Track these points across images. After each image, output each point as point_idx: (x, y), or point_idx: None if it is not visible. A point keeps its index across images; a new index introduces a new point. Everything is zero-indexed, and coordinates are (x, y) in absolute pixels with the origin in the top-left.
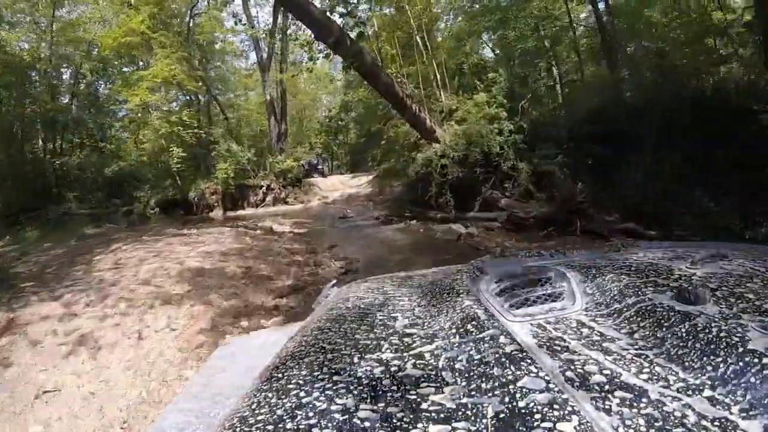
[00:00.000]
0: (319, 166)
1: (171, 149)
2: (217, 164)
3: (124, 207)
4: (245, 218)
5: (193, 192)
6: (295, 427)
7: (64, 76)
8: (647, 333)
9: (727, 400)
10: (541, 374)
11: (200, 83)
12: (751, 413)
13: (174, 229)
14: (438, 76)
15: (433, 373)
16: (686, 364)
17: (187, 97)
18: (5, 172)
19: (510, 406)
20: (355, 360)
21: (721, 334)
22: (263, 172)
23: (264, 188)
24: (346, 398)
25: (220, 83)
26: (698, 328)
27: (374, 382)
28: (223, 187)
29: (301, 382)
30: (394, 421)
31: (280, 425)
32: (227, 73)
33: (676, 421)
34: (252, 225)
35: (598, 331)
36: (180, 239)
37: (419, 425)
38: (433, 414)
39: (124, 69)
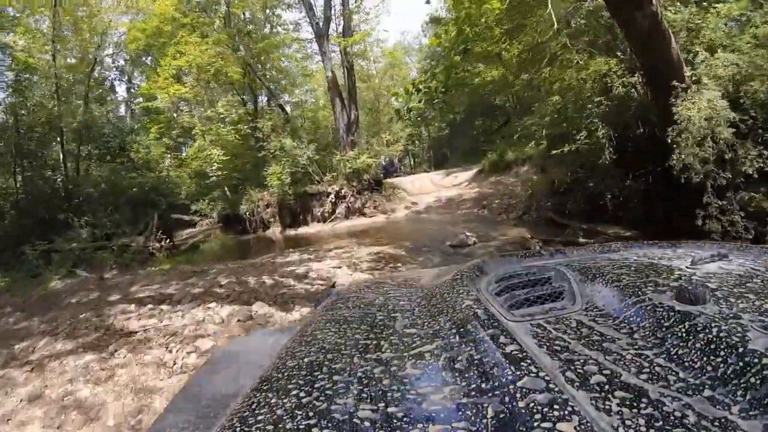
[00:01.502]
0: (393, 166)
1: (210, 153)
2: (268, 169)
3: (126, 238)
4: (308, 240)
5: (245, 205)
6: (295, 427)
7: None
8: (647, 333)
9: (727, 400)
10: (541, 374)
11: (248, 74)
12: (751, 413)
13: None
14: None
15: (433, 373)
16: (686, 364)
17: (239, 97)
18: (17, 194)
19: (510, 406)
20: (355, 360)
21: (721, 334)
22: (330, 176)
23: (332, 196)
24: (346, 398)
25: (278, 74)
26: (698, 328)
27: (374, 382)
28: (279, 196)
29: (301, 382)
30: (394, 421)
31: (280, 425)
32: (287, 66)
33: (676, 421)
34: (301, 261)
35: (598, 331)
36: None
37: (419, 425)
38: (433, 414)
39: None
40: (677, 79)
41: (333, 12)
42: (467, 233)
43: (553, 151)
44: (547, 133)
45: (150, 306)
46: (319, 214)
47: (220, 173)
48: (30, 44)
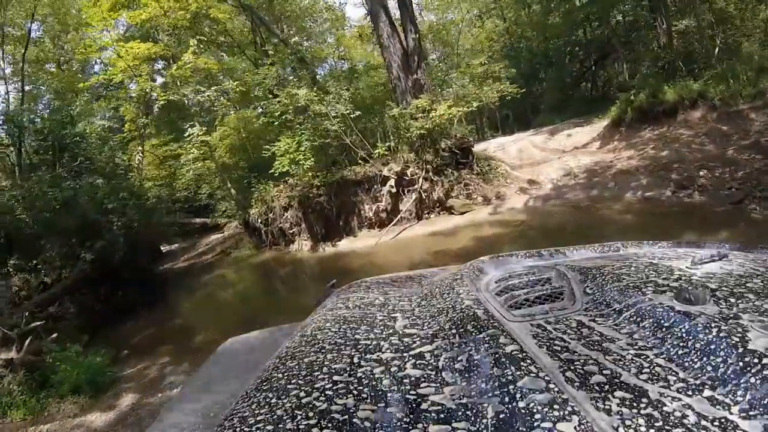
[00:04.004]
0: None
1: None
2: (278, 144)
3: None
4: (352, 267)
5: (256, 208)
6: (295, 427)
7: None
8: (647, 333)
9: (727, 400)
10: (541, 374)
11: (258, 31)
12: (751, 413)
13: None
14: None
15: (433, 373)
16: (686, 364)
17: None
18: None
19: (510, 406)
20: (355, 360)
21: (721, 334)
22: (383, 148)
23: (391, 182)
24: (346, 398)
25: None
26: (698, 328)
27: (374, 382)
28: (303, 190)
29: (301, 382)
30: (394, 421)
31: (280, 425)
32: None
33: (676, 421)
34: None
35: (598, 331)
36: None
37: (419, 425)
38: (433, 414)
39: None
40: None
41: None
42: None
43: None
44: None
45: None
46: (371, 214)
47: (200, 164)
48: None
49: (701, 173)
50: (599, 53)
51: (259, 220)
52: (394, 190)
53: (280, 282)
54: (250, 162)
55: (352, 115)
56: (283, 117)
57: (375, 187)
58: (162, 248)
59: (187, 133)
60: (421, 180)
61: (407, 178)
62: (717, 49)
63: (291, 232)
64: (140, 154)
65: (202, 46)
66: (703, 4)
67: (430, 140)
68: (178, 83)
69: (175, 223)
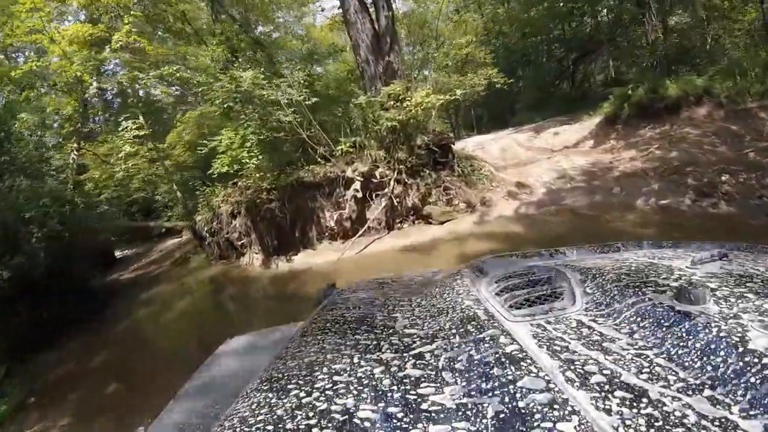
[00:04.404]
0: None
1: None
2: (218, 138)
3: None
4: (308, 297)
5: (202, 214)
6: (295, 427)
7: None
8: (647, 333)
9: (727, 400)
10: (541, 374)
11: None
12: (751, 413)
13: None
14: None
15: (433, 373)
16: (686, 364)
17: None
18: None
19: (510, 406)
20: (355, 360)
21: (721, 334)
22: (347, 144)
23: (356, 186)
24: (346, 398)
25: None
26: (698, 328)
27: (374, 383)
28: (251, 195)
29: (301, 382)
30: (394, 421)
31: (280, 425)
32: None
33: (676, 421)
34: None
35: (598, 331)
36: None
37: (419, 425)
38: (433, 414)
39: None
40: None
41: None
42: None
43: None
44: None
45: None
46: (332, 223)
47: (141, 162)
48: None
49: (723, 178)
50: (580, 50)
51: (205, 229)
52: (359, 194)
53: (221, 308)
54: (202, 161)
55: (307, 102)
56: (226, 106)
57: (337, 191)
58: (118, 254)
59: (120, 127)
60: (392, 183)
61: (376, 180)
62: (708, 46)
63: (240, 243)
64: (75, 153)
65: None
66: None
67: (404, 135)
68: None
69: (126, 227)
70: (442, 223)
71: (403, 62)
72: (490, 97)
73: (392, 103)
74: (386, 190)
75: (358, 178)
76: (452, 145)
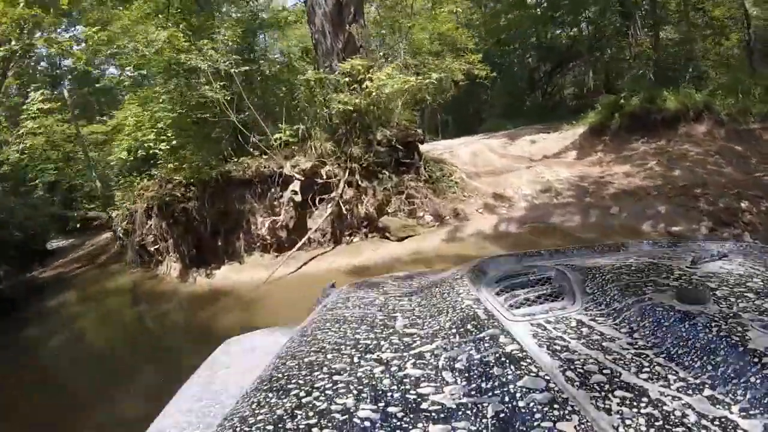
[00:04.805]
0: None
1: None
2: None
3: None
4: (227, 329)
5: (119, 212)
6: (295, 427)
7: None
8: (647, 333)
9: (727, 400)
10: (541, 374)
11: None
12: (751, 413)
13: None
14: None
15: (433, 373)
16: (686, 363)
17: None
18: None
19: (510, 406)
20: (355, 359)
21: (721, 334)
22: (288, 130)
23: (295, 186)
24: (346, 398)
25: None
26: (698, 328)
27: (374, 382)
28: (164, 192)
29: (301, 382)
30: (394, 421)
31: (280, 425)
32: None
33: (676, 420)
34: None
35: (598, 331)
36: None
37: (419, 425)
38: (433, 414)
39: None
40: None
41: None
42: None
43: None
44: None
45: None
46: (264, 231)
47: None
48: None
49: (743, 205)
50: (556, 61)
51: (120, 228)
52: (298, 197)
53: (126, 334)
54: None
55: (233, 70)
56: (138, 73)
57: (272, 191)
58: (57, 244)
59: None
60: (342, 185)
61: (321, 180)
62: (694, 63)
63: (156, 248)
64: None
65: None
66: (697, 11)
67: (361, 126)
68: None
69: (57, 215)
70: (402, 239)
71: (369, 41)
72: (458, 102)
73: (349, 83)
74: (334, 193)
75: (298, 176)
76: (420, 144)
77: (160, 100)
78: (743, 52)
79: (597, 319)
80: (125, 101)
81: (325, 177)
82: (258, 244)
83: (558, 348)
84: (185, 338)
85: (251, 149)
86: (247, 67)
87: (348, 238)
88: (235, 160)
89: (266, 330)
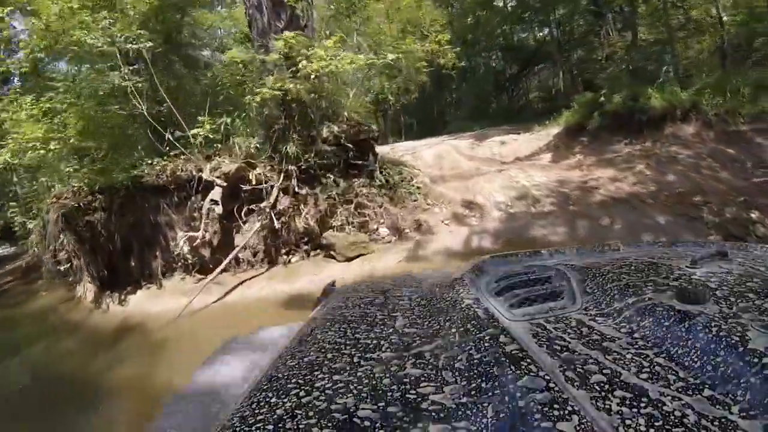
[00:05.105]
0: None
1: None
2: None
3: None
4: (125, 387)
5: (35, 223)
6: (295, 427)
7: None
8: (647, 333)
9: (727, 400)
10: (541, 374)
11: None
12: (751, 413)
13: None
14: None
15: (433, 372)
16: (686, 363)
17: None
18: None
19: (510, 405)
20: (355, 359)
21: (721, 334)
22: (208, 123)
23: (216, 194)
24: (346, 398)
25: None
26: (698, 328)
27: (374, 382)
28: (68, 202)
29: (301, 382)
30: (394, 421)
31: (280, 425)
32: None
33: (676, 420)
34: None
35: (598, 331)
36: None
37: (419, 425)
38: (433, 414)
39: None
40: None
41: None
42: None
43: None
44: None
45: None
46: (185, 249)
47: None
48: None
49: (753, 215)
50: (523, 63)
51: (35, 242)
52: (219, 208)
53: (8, 381)
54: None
55: (137, 45)
56: (32, 56)
57: (192, 200)
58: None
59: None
60: (275, 192)
61: (249, 186)
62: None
63: (67, 266)
64: None
65: None
66: (677, 9)
67: (300, 119)
68: None
69: None
70: (350, 259)
71: (314, 19)
72: (422, 103)
73: (287, 65)
74: (265, 203)
75: (220, 182)
76: (375, 143)
77: (59, 89)
78: (715, 56)
79: (597, 319)
80: (10, 91)
81: (254, 182)
82: (179, 264)
83: (558, 348)
84: (66, 394)
85: (166, 149)
86: (159, 48)
87: (285, 257)
88: (149, 162)
89: (266, 330)
